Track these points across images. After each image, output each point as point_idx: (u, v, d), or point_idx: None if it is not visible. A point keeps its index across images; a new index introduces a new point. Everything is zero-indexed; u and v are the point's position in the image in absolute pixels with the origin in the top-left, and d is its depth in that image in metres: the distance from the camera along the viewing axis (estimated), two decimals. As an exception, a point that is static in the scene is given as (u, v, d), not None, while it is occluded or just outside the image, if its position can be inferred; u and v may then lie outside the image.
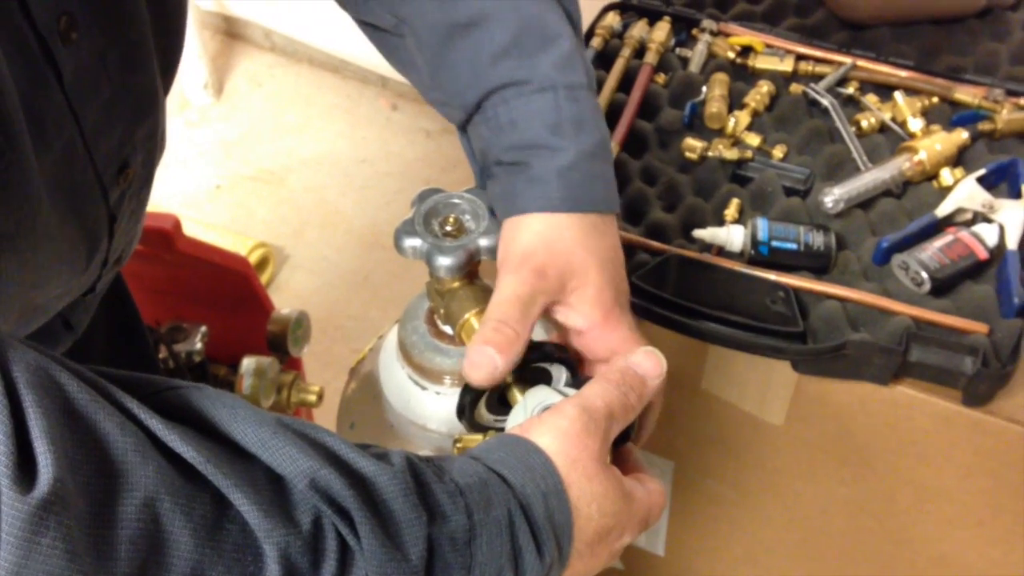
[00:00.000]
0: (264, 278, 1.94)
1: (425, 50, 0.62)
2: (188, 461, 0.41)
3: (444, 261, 0.59)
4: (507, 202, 0.60)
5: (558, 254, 0.57)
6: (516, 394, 0.57)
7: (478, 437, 0.58)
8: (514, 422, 0.55)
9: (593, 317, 0.58)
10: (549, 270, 0.57)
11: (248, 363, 1.19)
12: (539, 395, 0.54)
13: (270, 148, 2.24)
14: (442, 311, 0.63)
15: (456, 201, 0.61)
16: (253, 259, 1.89)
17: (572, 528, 0.48)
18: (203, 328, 1.19)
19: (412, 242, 0.60)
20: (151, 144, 0.62)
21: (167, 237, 1.11)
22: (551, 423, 0.49)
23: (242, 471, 0.41)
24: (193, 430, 0.43)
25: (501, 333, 0.54)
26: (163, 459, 0.40)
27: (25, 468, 0.37)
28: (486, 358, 0.53)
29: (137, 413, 0.41)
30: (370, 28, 0.66)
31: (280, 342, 1.25)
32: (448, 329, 0.64)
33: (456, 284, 0.61)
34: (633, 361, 0.54)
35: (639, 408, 0.53)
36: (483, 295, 0.61)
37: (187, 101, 2.30)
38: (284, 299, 1.92)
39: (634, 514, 0.51)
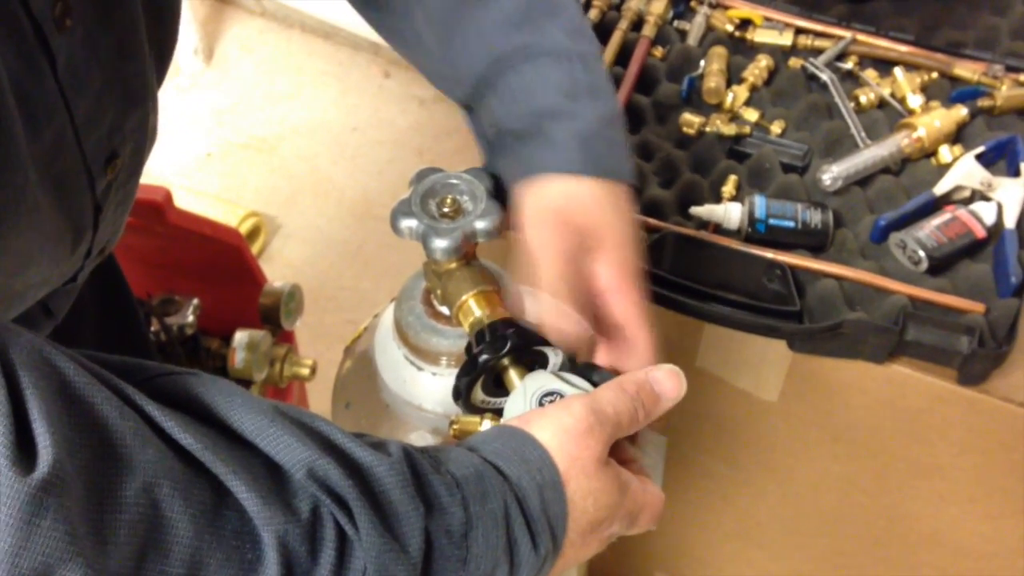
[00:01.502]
0: (256, 248, 1.92)
1: (436, 24, 0.61)
2: (186, 448, 0.41)
3: (440, 243, 0.58)
4: (522, 166, 0.59)
5: (587, 211, 0.57)
6: (513, 377, 0.57)
7: (475, 419, 0.58)
8: (513, 406, 0.54)
9: (614, 279, 0.57)
10: (584, 226, 0.56)
11: (241, 336, 1.18)
12: (539, 380, 0.54)
13: (261, 115, 2.22)
14: (439, 292, 0.62)
15: (454, 182, 0.60)
16: (245, 228, 1.87)
17: (567, 519, 0.47)
18: (195, 301, 1.18)
19: (408, 223, 0.59)
20: (140, 134, 0.61)
21: (158, 209, 1.10)
22: (556, 418, 0.49)
23: (240, 459, 0.41)
24: (190, 417, 0.42)
25: (568, 288, 0.54)
26: (162, 444, 0.40)
27: (24, 450, 0.36)
28: (570, 320, 0.53)
29: (135, 398, 0.41)
30: (371, 8, 0.64)
31: (273, 315, 1.25)
32: (445, 310, 0.64)
33: (453, 265, 0.60)
34: (654, 376, 0.53)
35: (644, 424, 0.53)
36: (480, 276, 0.60)
37: (177, 67, 2.27)
38: (276, 269, 1.91)
39: (625, 506, 0.51)
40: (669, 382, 0.53)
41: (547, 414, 0.49)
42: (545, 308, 0.54)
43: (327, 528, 0.41)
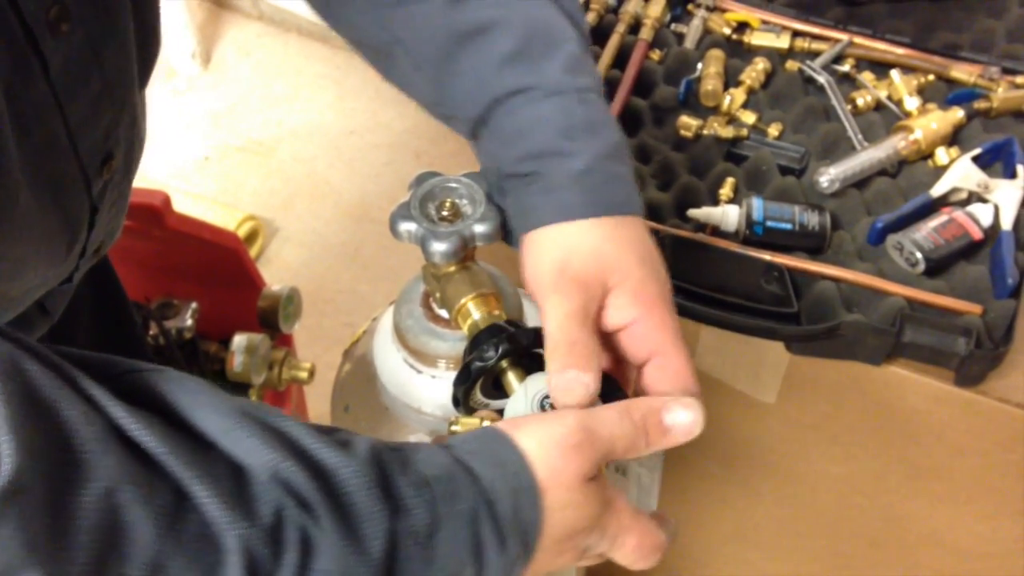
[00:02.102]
0: (254, 251, 1.92)
1: (426, 66, 0.59)
2: (148, 452, 0.40)
3: (439, 247, 0.58)
4: (523, 217, 0.57)
5: (590, 257, 0.54)
6: (512, 379, 0.57)
7: (475, 421, 0.58)
8: (513, 408, 0.54)
9: (634, 312, 0.54)
10: (588, 276, 0.54)
11: (239, 340, 1.18)
12: (540, 382, 0.54)
13: (259, 119, 2.22)
14: (438, 295, 0.63)
15: (453, 185, 0.60)
16: (242, 232, 1.87)
17: (541, 526, 0.46)
18: (193, 304, 1.18)
19: (407, 226, 0.59)
20: (131, 135, 0.61)
21: (157, 213, 1.10)
22: (544, 428, 0.48)
23: (203, 462, 0.41)
24: (156, 416, 0.42)
25: (575, 353, 0.51)
26: (124, 449, 0.40)
27: None
28: (576, 382, 0.50)
29: (100, 399, 0.41)
30: (362, 47, 0.63)
31: (271, 319, 1.25)
32: (444, 313, 0.64)
33: (452, 268, 0.60)
34: (669, 406, 0.50)
35: (644, 453, 0.50)
36: (479, 279, 0.60)
37: (174, 70, 2.27)
38: (274, 272, 1.91)
39: (604, 520, 0.49)
40: (685, 417, 0.50)
41: (539, 421, 0.48)
42: (554, 380, 0.52)
43: (290, 531, 0.41)
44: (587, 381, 0.51)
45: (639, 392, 0.56)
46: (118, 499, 0.38)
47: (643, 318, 0.54)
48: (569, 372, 0.51)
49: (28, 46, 0.47)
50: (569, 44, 0.58)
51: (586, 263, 0.54)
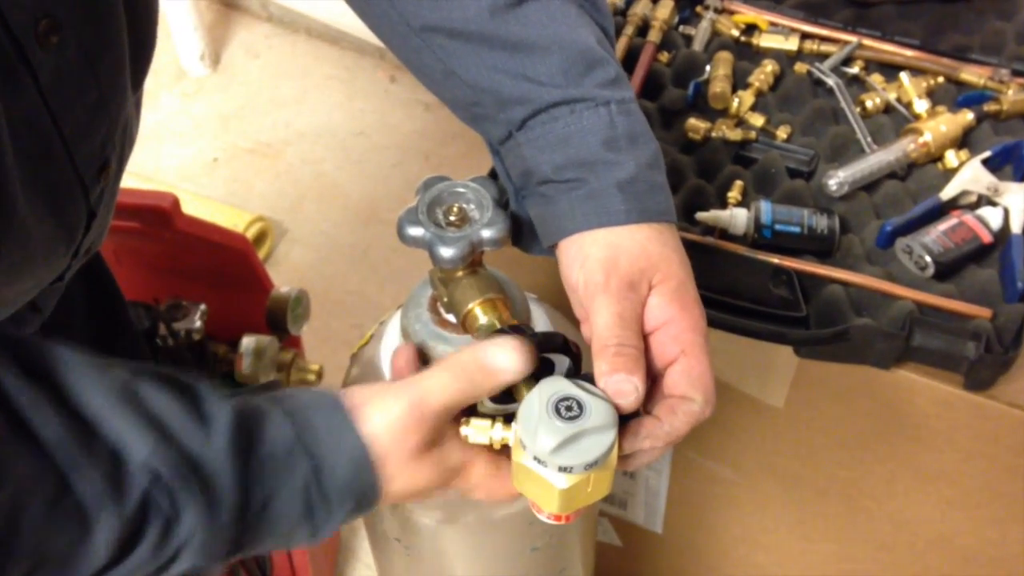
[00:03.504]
0: (262, 253, 1.93)
1: (469, 81, 0.60)
2: (42, 441, 0.44)
3: (446, 252, 0.58)
4: (562, 221, 0.58)
5: (636, 257, 0.56)
6: (520, 384, 0.57)
7: (485, 423, 0.58)
8: (528, 411, 0.54)
9: (670, 312, 0.56)
10: (636, 275, 0.56)
11: (248, 342, 1.18)
12: (554, 385, 0.54)
13: (267, 120, 2.22)
14: (445, 299, 0.63)
15: (461, 190, 0.60)
16: (251, 233, 1.87)
17: (379, 490, 0.53)
18: (202, 306, 1.18)
19: (415, 231, 0.59)
20: (124, 138, 0.62)
21: (166, 215, 1.11)
22: (384, 411, 0.52)
23: (86, 447, 0.45)
24: (44, 391, 0.45)
25: (625, 355, 0.54)
26: (24, 446, 0.44)
27: None
28: (627, 384, 0.53)
29: (9, 390, 0.44)
30: (393, 43, 0.63)
31: (279, 321, 1.25)
32: (451, 318, 0.64)
33: (460, 273, 0.60)
34: (487, 355, 0.53)
35: (480, 398, 0.55)
36: (487, 284, 0.60)
37: (183, 72, 2.28)
38: (282, 274, 1.91)
39: (454, 484, 0.55)
40: (503, 356, 0.53)
41: (380, 401, 0.52)
42: (604, 382, 0.54)
43: (154, 509, 0.47)
44: (636, 383, 0.53)
45: (659, 392, 0.57)
46: (19, 500, 0.43)
47: (678, 318, 0.56)
48: (618, 375, 0.53)
49: (15, 57, 0.47)
50: (608, 63, 0.59)
51: (635, 261, 0.56)
